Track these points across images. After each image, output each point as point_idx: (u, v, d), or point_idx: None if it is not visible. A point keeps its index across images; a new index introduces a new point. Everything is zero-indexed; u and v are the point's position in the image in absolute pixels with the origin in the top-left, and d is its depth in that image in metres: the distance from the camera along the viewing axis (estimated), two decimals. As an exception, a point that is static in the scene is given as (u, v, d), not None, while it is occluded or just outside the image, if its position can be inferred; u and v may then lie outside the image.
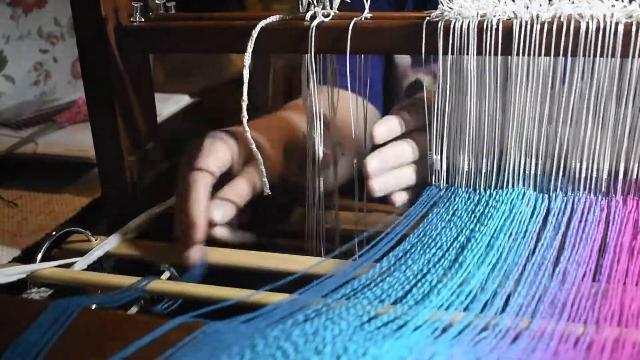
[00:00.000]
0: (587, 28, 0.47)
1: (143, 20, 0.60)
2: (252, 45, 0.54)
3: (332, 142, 0.59)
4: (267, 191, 0.56)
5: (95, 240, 0.60)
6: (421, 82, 0.54)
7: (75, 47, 0.60)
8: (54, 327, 0.40)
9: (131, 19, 0.60)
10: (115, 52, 0.60)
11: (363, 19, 0.53)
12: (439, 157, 0.55)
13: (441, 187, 0.56)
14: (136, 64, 0.63)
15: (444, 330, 0.39)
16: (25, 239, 0.76)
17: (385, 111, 0.93)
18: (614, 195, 0.51)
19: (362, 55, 0.56)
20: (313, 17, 0.54)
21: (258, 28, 0.54)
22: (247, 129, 0.53)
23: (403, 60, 0.90)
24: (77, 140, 1.05)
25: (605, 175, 0.51)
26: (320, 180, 0.58)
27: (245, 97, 0.53)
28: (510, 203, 0.52)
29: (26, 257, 0.70)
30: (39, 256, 0.56)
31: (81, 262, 0.56)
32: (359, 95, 0.56)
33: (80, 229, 0.60)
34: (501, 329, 0.39)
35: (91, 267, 0.57)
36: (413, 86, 0.56)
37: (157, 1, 0.61)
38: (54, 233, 0.58)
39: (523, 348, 0.37)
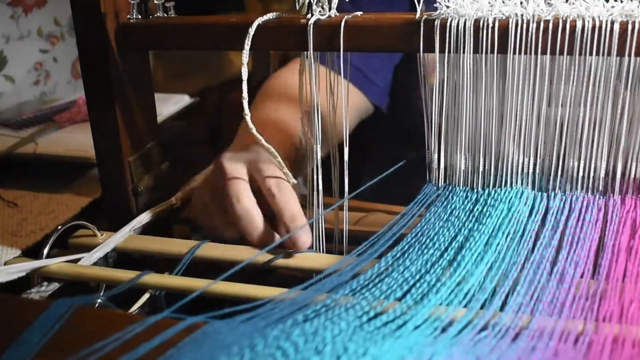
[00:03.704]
0: (584, 27, 0.47)
1: (140, 17, 0.60)
2: (250, 42, 0.54)
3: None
4: (293, 180, 0.56)
5: (102, 235, 0.60)
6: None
7: (75, 47, 0.60)
8: (55, 326, 0.40)
9: (128, 16, 0.60)
10: (115, 52, 0.60)
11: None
12: (436, 155, 0.55)
13: (439, 185, 0.56)
14: (136, 63, 0.63)
15: (444, 329, 0.39)
16: (25, 239, 0.76)
17: (393, 109, 0.91)
18: (612, 195, 0.51)
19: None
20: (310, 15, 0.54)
21: (255, 25, 0.54)
22: (250, 125, 0.53)
23: (431, 56, 0.89)
24: (77, 140, 1.05)
25: (602, 175, 0.51)
26: (320, 179, 0.58)
27: (245, 94, 0.53)
28: (509, 202, 0.52)
29: (29, 253, 0.70)
30: (46, 250, 0.56)
31: (88, 257, 0.56)
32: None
33: (87, 223, 0.60)
34: (501, 328, 0.39)
35: (97, 262, 0.57)
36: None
37: (155, 1, 0.61)
38: (59, 227, 0.58)
39: (523, 347, 0.37)
